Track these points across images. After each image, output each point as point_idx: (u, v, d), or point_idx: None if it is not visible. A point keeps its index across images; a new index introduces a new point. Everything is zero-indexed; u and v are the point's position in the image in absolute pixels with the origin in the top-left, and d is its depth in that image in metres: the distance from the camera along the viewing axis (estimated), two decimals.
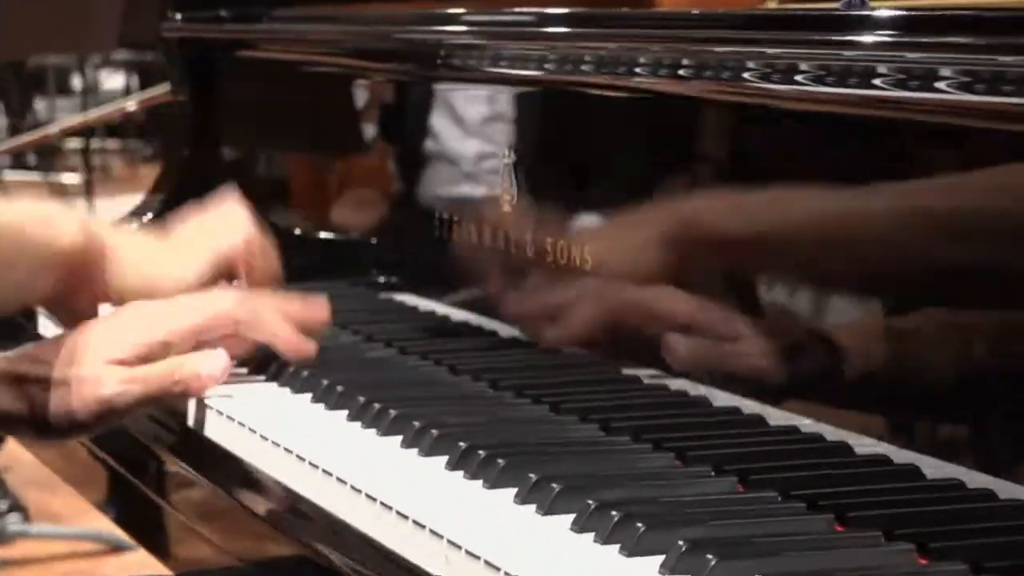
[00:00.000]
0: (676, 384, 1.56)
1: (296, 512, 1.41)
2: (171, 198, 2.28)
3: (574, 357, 1.72)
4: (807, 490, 1.19)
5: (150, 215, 2.32)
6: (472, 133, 1.88)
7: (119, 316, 1.78)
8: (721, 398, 1.51)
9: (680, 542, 1.08)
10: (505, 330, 1.86)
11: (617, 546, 1.13)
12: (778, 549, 1.10)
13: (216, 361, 1.64)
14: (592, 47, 1.62)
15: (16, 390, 1.63)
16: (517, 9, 1.89)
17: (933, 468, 1.23)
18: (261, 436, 1.52)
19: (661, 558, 1.07)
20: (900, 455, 1.26)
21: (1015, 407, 1.12)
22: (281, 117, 2.33)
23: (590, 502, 1.18)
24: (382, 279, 2.11)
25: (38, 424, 1.64)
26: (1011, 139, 1.10)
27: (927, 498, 1.19)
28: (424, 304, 2.00)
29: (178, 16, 2.26)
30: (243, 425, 1.57)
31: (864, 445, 1.31)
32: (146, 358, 1.64)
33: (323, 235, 2.28)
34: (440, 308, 1.97)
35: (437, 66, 1.88)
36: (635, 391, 1.58)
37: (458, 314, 1.93)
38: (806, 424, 1.38)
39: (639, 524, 1.13)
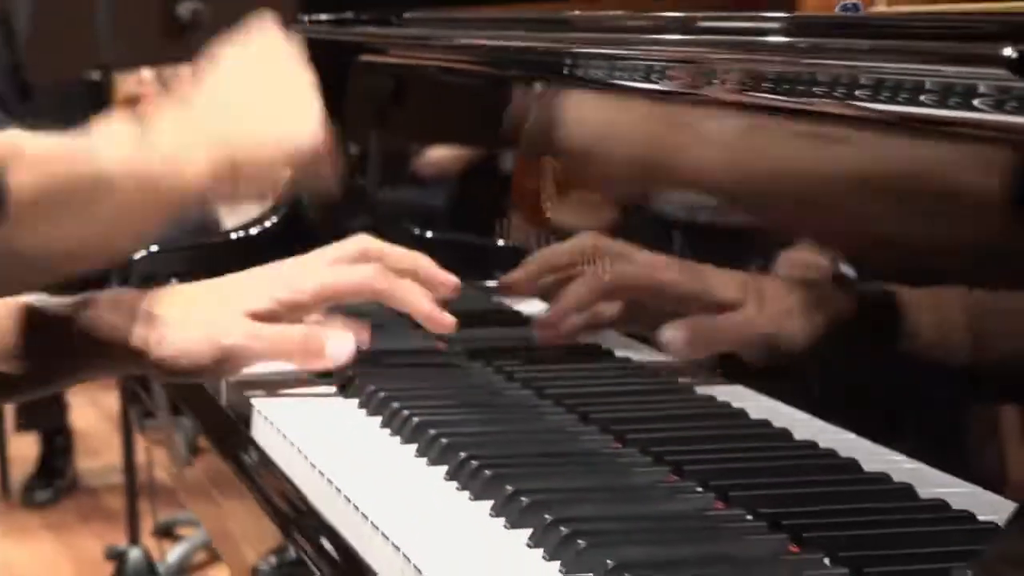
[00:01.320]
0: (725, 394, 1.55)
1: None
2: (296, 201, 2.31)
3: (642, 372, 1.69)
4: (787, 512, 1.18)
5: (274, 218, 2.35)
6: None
7: (262, 270, 1.76)
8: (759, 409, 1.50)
9: (608, 561, 1.09)
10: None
11: (558, 563, 1.13)
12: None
13: (344, 344, 1.65)
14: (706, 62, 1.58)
15: (131, 321, 1.64)
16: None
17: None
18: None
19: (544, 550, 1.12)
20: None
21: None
22: (401, 117, 2.35)
23: (547, 517, 1.18)
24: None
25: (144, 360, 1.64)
26: None
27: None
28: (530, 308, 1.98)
29: (307, 20, 2.28)
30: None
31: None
32: (279, 316, 1.66)
33: (431, 234, 2.30)
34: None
35: (558, 73, 1.87)
36: (667, 403, 1.57)
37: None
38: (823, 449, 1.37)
39: (581, 542, 1.13)
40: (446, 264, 1.74)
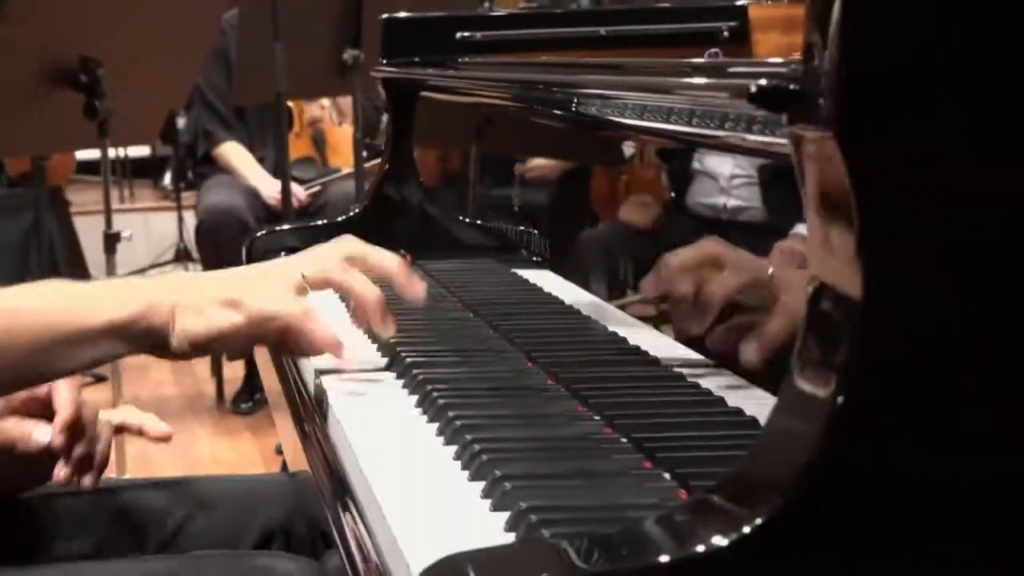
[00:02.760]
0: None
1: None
2: (376, 195, 2.30)
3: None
4: None
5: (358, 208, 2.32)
6: None
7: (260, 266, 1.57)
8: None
9: (506, 484, 1.06)
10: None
11: (468, 472, 1.13)
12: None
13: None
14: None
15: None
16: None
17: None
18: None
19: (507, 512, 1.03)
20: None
21: None
22: (450, 135, 2.30)
23: (467, 437, 1.17)
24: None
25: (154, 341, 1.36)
26: None
27: None
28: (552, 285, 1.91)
29: (383, 62, 2.26)
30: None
31: None
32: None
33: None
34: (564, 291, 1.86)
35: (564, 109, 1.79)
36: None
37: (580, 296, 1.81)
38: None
39: (484, 456, 1.13)
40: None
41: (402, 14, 2.28)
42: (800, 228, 1.36)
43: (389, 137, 2.30)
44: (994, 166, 0.81)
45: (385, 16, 2.27)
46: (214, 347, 1.40)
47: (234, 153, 5.18)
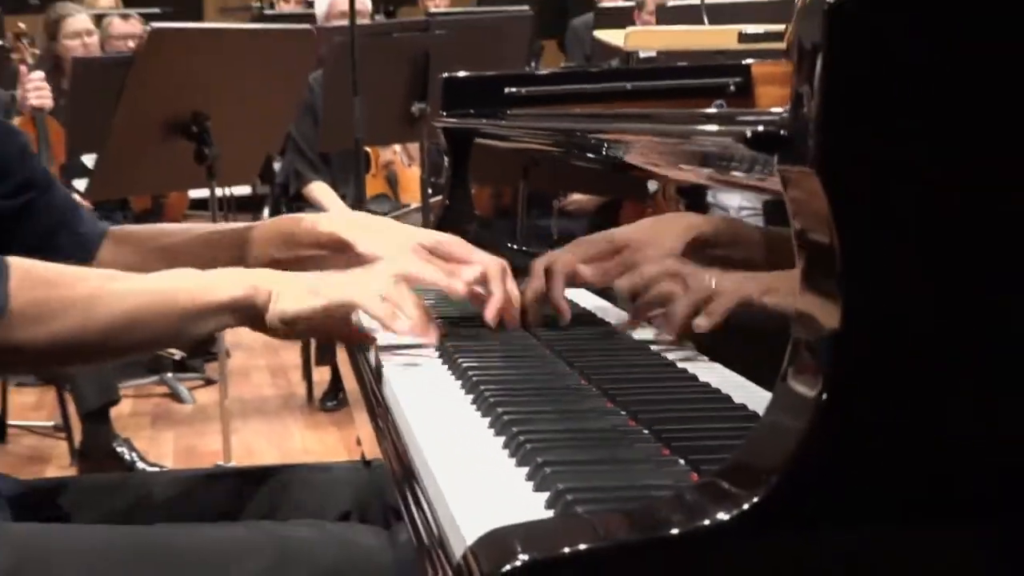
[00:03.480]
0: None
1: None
2: (438, 227, 2.28)
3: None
4: None
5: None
6: None
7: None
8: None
9: (547, 469, 1.05)
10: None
11: (515, 459, 1.12)
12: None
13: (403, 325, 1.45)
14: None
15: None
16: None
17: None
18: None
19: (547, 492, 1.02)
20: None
21: None
22: (500, 174, 2.30)
23: (514, 430, 1.16)
24: None
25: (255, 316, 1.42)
26: None
27: None
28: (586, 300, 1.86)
29: (443, 113, 2.26)
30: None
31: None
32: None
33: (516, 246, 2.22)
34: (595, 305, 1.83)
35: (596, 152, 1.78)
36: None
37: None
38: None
39: (528, 445, 1.12)
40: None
41: (460, 73, 2.28)
42: None
43: (449, 177, 2.29)
44: (957, 199, 0.81)
45: (445, 75, 2.27)
46: (300, 325, 1.46)
47: (320, 191, 5.21)
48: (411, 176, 5.44)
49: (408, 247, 1.60)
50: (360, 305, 1.45)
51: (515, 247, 2.24)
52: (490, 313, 1.55)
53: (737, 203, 1.57)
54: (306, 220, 1.73)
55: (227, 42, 4.10)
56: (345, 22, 4.99)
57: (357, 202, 4.85)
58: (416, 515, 1.12)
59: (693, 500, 0.85)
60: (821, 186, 0.78)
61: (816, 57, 0.78)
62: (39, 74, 4.71)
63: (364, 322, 1.57)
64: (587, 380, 1.40)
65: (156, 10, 7.60)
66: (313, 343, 5.03)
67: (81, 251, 1.71)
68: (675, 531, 0.80)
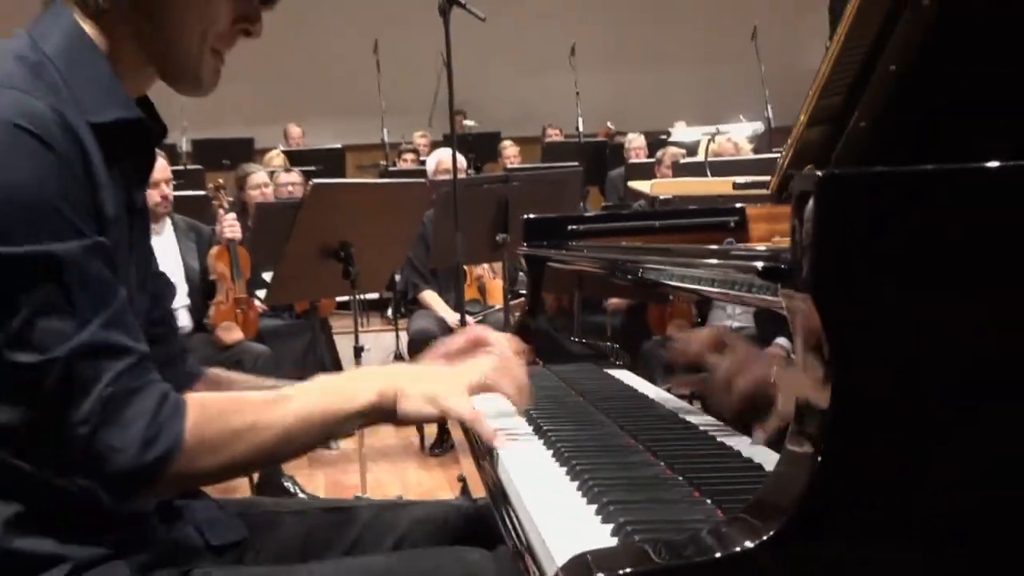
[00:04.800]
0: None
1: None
2: (520, 324, 2.29)
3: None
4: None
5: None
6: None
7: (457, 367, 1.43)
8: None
9: (612, 505, 1.04)
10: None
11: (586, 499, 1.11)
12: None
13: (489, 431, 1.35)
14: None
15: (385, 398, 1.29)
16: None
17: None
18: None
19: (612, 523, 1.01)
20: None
21: None
22: (563, 286, 2.29)
23: (604, 499, 1.10)
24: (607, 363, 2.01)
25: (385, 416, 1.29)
26: None
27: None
28: (629, 379, 1.85)
29: (524, 244, 2.27)
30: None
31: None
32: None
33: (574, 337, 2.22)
34: (637, 383, 1.80)
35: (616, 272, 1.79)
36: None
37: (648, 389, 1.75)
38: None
39: (596, 488, 1.11)
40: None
41: (535, 216, 2.29)
42: (780, 340, 1.35)
43: (528, 289, 2.30)
44: (922, 318, 0.80)
45: (525, 217, 2.28)
46: (420, 422, 1.33)
47: (430, 297, 5.23)
48: (496, 286, 5.46)
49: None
50: (466, 420, 1.33)
51: (573, 338, 2.24)
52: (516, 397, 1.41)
53: (729, 311, 1.57)
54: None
55: (365, 192, 4.18)
56: (449, 176, 5.06)
57: (457, 306, 4.89)
58: (515, 539, 1.11)
59: (725, 532, 0.84)
60: (814, 306, 0.78)
61: (808, 214, 0.78)
62: (232, 215, 4.79)
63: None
64: (635, 439, 1.39)
65: (311, 168, 7.73)
66: None
67: (177, 385, 1.43)
68: (716, 555, 0.80)
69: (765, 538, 0.79)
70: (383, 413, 1.29)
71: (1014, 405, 0.80)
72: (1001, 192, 0.82)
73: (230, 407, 1.22)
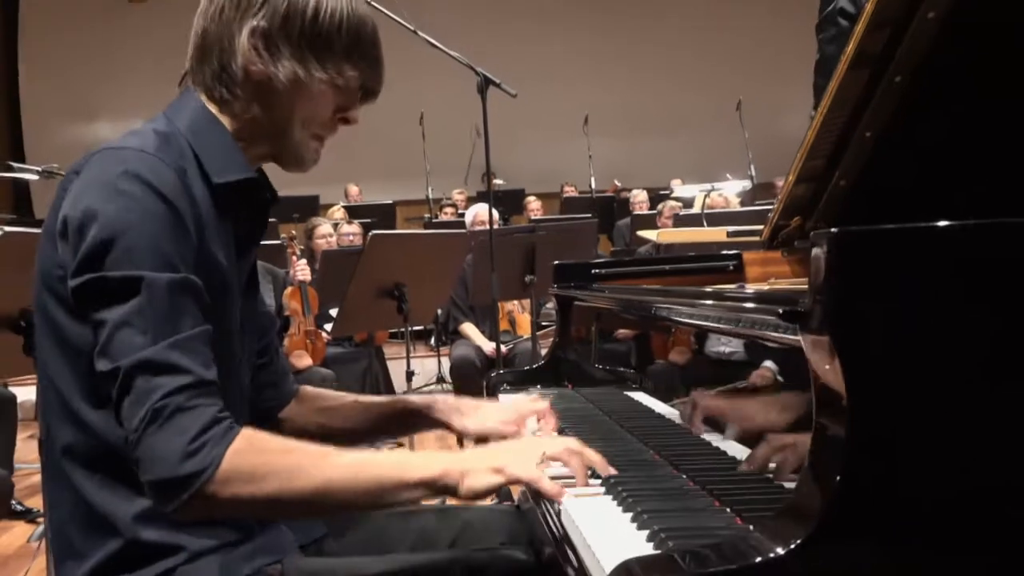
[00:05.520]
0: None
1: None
2: (551, 354, 2.26)
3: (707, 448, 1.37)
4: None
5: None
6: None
7: (522, 441, 1.38)
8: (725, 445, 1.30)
9: (645, 514, 1.01)
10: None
11: (621, 508, 1.08)
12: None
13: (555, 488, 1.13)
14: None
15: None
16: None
17: None
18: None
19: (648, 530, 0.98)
20: None
21: None
22: (587, 320, 2.26)
23: (639, 508, 1.06)
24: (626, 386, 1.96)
25: (446, 491, 1.14)
26: None
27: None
28: (647, 400, 1.80)
29: (554, 286, 2.25)
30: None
31: None
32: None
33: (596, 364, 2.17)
34: (653, 403, 1.76)
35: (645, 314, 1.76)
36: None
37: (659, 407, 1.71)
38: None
39: (630, 499, 1.09)
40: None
41: (562, 262, 2.28)
42: (767, 363, 1.30)
43: (558, 324, 2.27)
44: (931, 365, 0.78)
45: (556, 263, 2.26)
46: (488, 494, 1.16)
47: (469, 329, 5.21)
48: (524, 320, 5.44)
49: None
50: (531, 483, 1.15)
51: (596, 365, 2.21)
52: (580, 482, 1.19)
53: (723, 339, 1.55)
54: (422, 405, 1.51)
55: (415, 241, 4.18)
56: (484, 227, 5.07)
57: (492, 336, 4.87)
58: (560, 543, 1.08)
59: (754, 541, 0.81)
60: (832, 347, 0.76)
61: (825, 267, 0.76)
62: (303, 261, 4.81)
63: None
64: (659, 455, 1.36)
65: (367, 220, 7.76)
66: None
67: (279, 405, 1.48)
68: (754, 560, 0.77)
69: (792, 547, 0.76)
70: (445, 488, 1.13)
71: (1010, 420, 0.77)
72: (979, 247, 0.79)
73: (278, 447, 1.12)
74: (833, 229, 0.74)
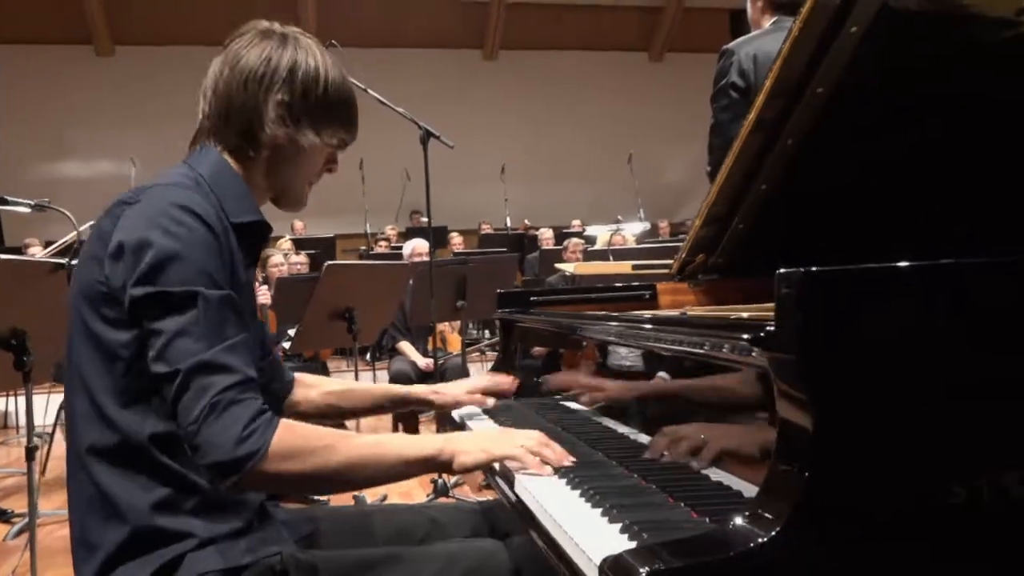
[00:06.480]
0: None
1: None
2: (496, 366, 2.22)
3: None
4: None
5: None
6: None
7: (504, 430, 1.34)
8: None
9: (614, 509, 0.97)
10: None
11: (590, 504, 1.04)
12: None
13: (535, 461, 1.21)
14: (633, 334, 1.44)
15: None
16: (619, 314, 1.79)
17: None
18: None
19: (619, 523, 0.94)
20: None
21: None
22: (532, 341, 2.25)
23: (607, 504, 1.04)
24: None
25: (442, 466, 1.22)
26: None
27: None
28: (577, 407, 1.74)
29: (499, 310, 2.23)
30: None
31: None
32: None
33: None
34: (587, 411, 1.71)
35: (572, 329, 1.74)
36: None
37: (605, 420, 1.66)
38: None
39: (597, 496, 1.04)
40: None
41: (504, 290, 2.25)
42: (661, 373, 1.34)
43: (501, 343, 2.25)
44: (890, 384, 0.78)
45: (499, 291, 2.23)
46: (475, 469, 1.23)
47: (405, 346, 5.12)
48: (455, 339, 5.41)
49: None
50: (515, 459, 1.23)
51: (536, 379, 2.16)
52: (547, 470, 1.24)
53: (626, 349, 1.55)
54: (407, 391, 1.65)
55: (364, 271, 4.10)
56: (420, 258, 5.03)
57: (426, 353, 4.82)
58: (544, 539, 1.05)
59: (731, 531, 0.79)
60: (799, 367, 0.76)
61: (792, 303, 0.77)
62: (265, 287, 4.70)
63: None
64: (607, 457, 1.33)
65: (312, 251, 7.62)
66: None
67: (283, 391, 1.54)
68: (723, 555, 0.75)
69: (761, 541, 0.74)
70: (441, 464, 1.22)
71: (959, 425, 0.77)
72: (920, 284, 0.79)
73: (313, 432, 1.16)
74: (801, 270, 0.75)
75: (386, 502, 3.57)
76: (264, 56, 1.25)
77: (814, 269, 0.76)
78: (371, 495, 4.03)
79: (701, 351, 0.99)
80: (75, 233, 2.46)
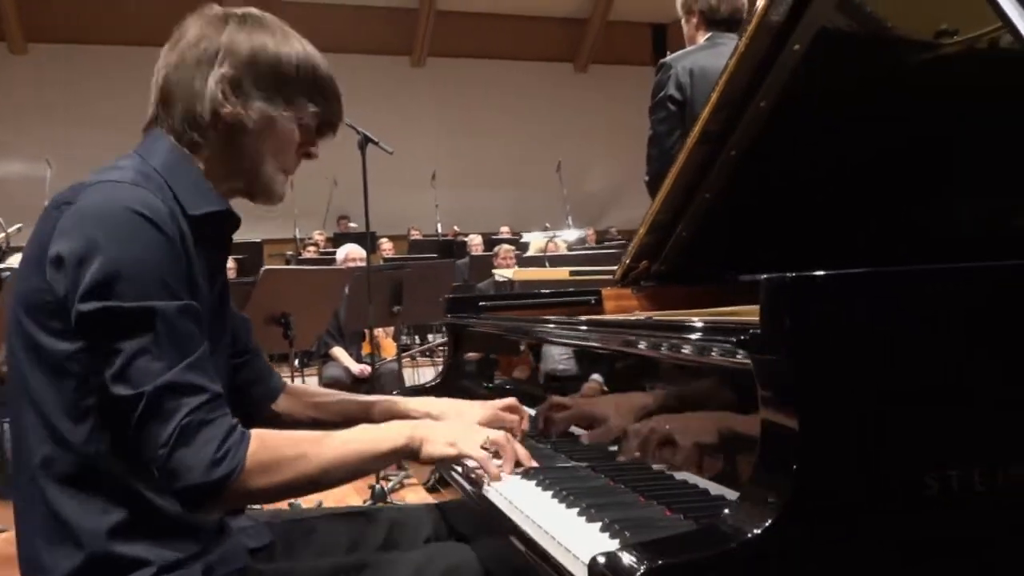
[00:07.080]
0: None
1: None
2: (446, 371, 2.21)
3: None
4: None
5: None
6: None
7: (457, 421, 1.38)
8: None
9: (591, 509, 0.98)
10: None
11: (584, 517, 1.01)
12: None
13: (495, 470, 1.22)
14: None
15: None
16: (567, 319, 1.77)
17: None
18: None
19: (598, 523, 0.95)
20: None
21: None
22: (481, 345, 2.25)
23: (583, 504, 1.05)
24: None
25: (411, 456, 1.20)
26: None
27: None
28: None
29: (448, 315, 2.21)
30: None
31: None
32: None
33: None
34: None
35: (527, 334, 1.73)
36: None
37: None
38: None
39: (571, 497, 1.04)
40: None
41: (453, 296, 2.25)
42: (594, 376, 1.36)
43: (449, 347, 2.24)
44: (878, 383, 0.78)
45: (448, 296, 2.23)
46: (440, 462, 1.26)
47: (339, 352, 5.05)
48: (390, 344, 5.35)
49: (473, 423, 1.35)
50: (476, 459, 1.23)
51: (484, 383, 2.14)
52: (507, 469, 1.26)
53: (558, 353, 1.55)
54: (404, 404, 1.49)
55: (300, 276, 4.03)
56: (354, 263, 4.96)
57: (359, 359, 4.75)
58: (524, 541, 1.04)
59: (713, 530, 0.80)
60: (788, 364, 0.77)
61: (780, 308, 0.78)
62: None
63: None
64: (570, 457, 1.34)
65: (240, 256, 7.43)
66: None
67: (268, 399, 1.45)
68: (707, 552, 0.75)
69: (743, 540, 0.75)
70: (410, 453, 1.20)
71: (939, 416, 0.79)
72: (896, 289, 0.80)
73: (284, 442, 1.12)
74: (789, 275, 0.77)
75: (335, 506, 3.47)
76: (200, 34, 1.17)
77: (801, 274, 0.78)
78: (306, 502, 3.92)
79: (691, 356, 0.99)
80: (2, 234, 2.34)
